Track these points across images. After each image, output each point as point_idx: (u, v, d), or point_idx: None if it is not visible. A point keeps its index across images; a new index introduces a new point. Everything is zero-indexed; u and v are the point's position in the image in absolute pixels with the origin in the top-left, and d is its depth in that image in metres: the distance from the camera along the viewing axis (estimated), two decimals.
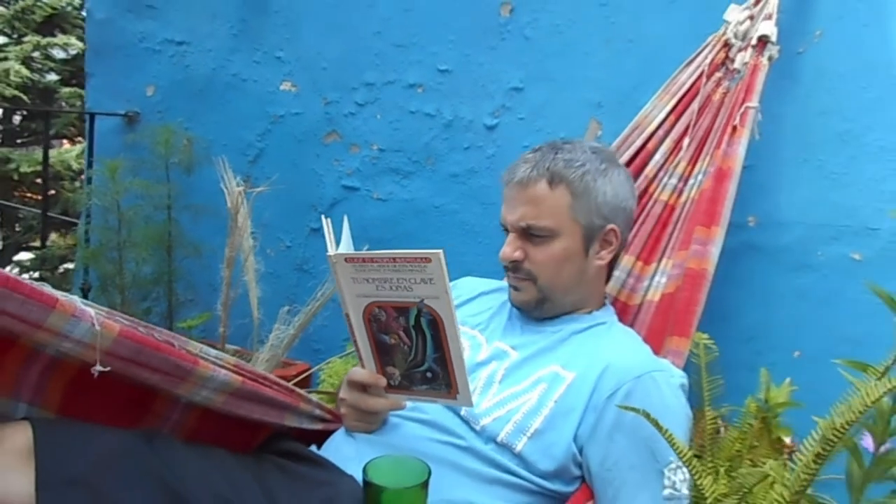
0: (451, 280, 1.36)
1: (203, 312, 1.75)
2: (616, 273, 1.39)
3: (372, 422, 1.10)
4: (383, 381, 1.06)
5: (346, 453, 1.10)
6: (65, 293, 0.91)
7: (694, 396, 1.19)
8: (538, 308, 1.19)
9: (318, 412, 1.20)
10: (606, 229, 1.17)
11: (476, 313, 1.28)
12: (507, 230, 1.18)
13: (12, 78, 6.96)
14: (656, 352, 1.22)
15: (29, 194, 6.06)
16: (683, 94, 1.44)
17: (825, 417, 0.93)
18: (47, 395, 0.98)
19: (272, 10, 1.86)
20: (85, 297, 1.93)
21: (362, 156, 1.83)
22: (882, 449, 1.07)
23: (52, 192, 5.27)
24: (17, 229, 6.27)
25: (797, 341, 1.53)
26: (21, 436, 0.90)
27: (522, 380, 1.11)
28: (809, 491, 1.04)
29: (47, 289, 0.88)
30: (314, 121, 1.85)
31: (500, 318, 1.24)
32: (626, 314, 1.36)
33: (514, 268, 1.17)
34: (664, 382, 1.08)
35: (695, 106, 1.42)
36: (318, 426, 1.20)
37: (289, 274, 1.84)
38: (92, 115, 1.96)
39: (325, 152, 1.85)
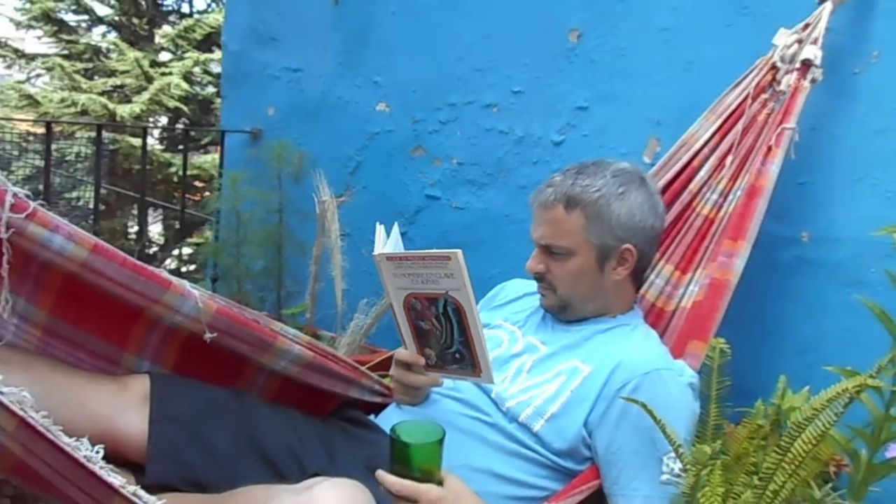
0: (501, 281, 1.55)
1: (305, 302, 2.03)
2: (657, 281, 1.51)
3: (414, 395, 1.31)
4: (422, 361, 1.26)
5: (395, 421, 1.32)
6: (177, 278, 1.19)
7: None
8: (561, 312, 1.34)
9: (377, 387, 1.43)
10: (622, 249, 1.28)
11: (517, 311, 1.45)
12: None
13: (174, 91, 7.83)
14: (678, 355, 1.33)
15: (187, 195, 6.81)
16: (729, 114, 1.53)
17: None
18: (164, 356, 1.27)
19: (372, 42, 2.12)
20: (213, 285, 2.27)
21: (443, 168, 2.04)
22: (884, 454, 1.14)
23: (208, 193, 5.93)
24: (178, 227, 7.06)
25: (849, 356, 1.55)
26: (141, 385, 1.19)
27: (546, 371, 1.28)
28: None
29: (164, 273, 1.16)
30: (404, 137, 2.08)
31: (536, 316, 1.40)
32: (662, 319, 1.47)
33: (538, 278, 1.33)
34: (671, 380, 1.20)
35: (739, 126, 1.51)
36: (378, 399, 1.42)
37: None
38: (223, 133, 2.32)
39: (411, 165, 2.08)
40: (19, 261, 1.05)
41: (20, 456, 0.87)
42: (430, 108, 2.04)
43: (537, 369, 1.29)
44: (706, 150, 1.54)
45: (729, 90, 1.54)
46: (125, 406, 1.15)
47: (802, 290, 1.62)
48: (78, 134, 7.49)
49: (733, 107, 1.53)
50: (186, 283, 1.18)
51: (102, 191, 7.66)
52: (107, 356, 1.22)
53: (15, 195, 0.99)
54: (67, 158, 7.64)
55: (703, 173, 1.54)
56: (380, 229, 1.24)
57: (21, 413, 0.80)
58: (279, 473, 1.17)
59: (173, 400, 1.19)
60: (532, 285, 1.49)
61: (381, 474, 1.01)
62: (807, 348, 1.60)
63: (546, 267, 1.31)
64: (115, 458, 1.12)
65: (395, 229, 1.26)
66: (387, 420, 1.34)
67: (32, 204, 1.00)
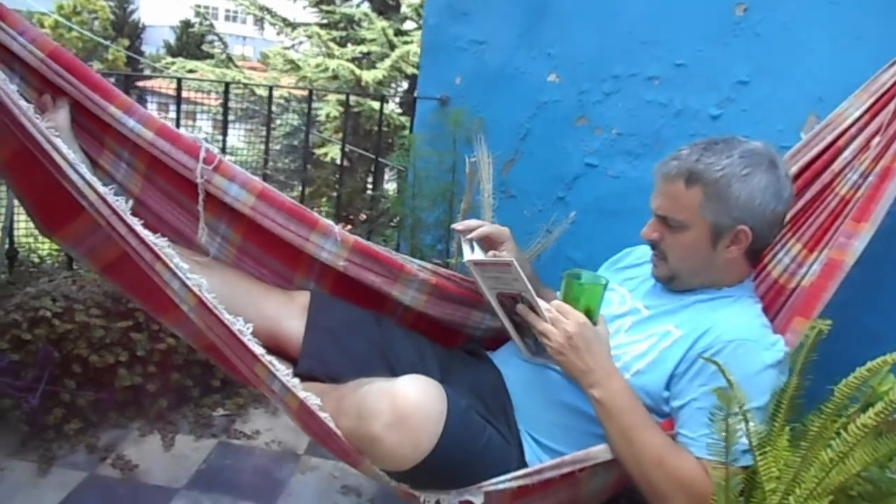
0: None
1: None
2: (784, 258, 1.51)
3: None
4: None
5: (502, 357, 1.52)
6: (325, 218, 1.47)
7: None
8: (670, 282, 1.40)
9: None
10: (736, 230, 1.28)
11: (634, 277, 1.54)
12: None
13: (412, 58, 8.43)
14: (782, 331, 1.35)
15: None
16: (882, 93, 1.46)
17: None
18: (324, 280, 1.58)
19: (549, 15, 2.24)
20: (397, 233, 2.60)
21: (603, 138, 2.13)
22: None
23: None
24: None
25: None
26: (304, 298, 1.51)
27: (642, 332, 1.38)
28: None
29: (314, 214, 1.45)
30: (569, 107, 2.20)
31: (648, 283, 1.48)
32: (781, 295, 1.48)
33: (652, 245, 1.40)
34: (754, 352, 1.24)
35: (891, 107, 1.43)
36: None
37: (537, 232, 2.25)
38: (414, 99, 2.61)
39: (574, 134, 2.19)
40: (214, 199, 1.41)
41: (203, 331, 1.21)
42: (596, 80, 2.14)
43: (634, 329, 1.40)
44: (854, 129, 1.49)
45: (885, 68, 1.47)
46: (289, 313, 1.48)
47: None
48: (329, 97, 8.39)
49: (888, 85, 1.46)
50: (331, 223, 1.47)
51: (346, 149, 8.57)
52: (282, 275, 1.56)
53: (207, 150, 1.33)
54: (318, 118, 8.66)
55: (847, 153, 1.49)
56: (464, 239, 1.44)
57: (199, 293, 1.13)
58: None
59: (325, 314, 1.50)
60: None
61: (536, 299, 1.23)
62: None
63: (660, 236, 1.36)
64: (278, 351, 1.47)
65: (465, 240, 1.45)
66: (501, 357, 1.53)
67: (218, 156, 1.33)
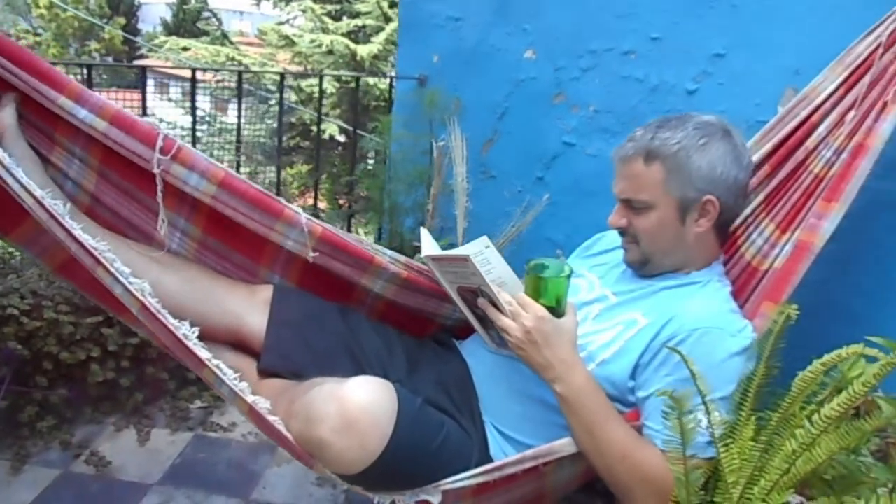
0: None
1: (447, 237, 2.23)
2: (757, 240, 1.48)
3: None
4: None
5: (470, 348, 1.49)
6: (293, 206, 1.43)
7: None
8: (642, 267, 1.37)
9: None
10: (703, 200, 1.27)
11: (604, 263, 1.51)
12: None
13: None
14: (752, 316, 1.32)
15: None
16: (857, 66, 1.41)
17: None
18: (290, 272, 1.54)
19: None
20: (379, 217, 2.55)
21: (580, 116, 2.08)
22: None
23: None
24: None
25: None
26: (266, 293, 1.47)
27: (608, 320, 1.35)
28: None
29: (280, 202, 1.41)
30: (547, 84, 2.14)
31: (618, 269, 1.45)
32: (754, 278, 1.44)
33: (621, 232, 1.37)
34: (719, 339, 1.21)
35: (866, 79, 1.38)
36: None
37: (516, 213, 2.21)
38: (391, 79, 2.56)
39: (551, 112, 2.14)
40: (173, 190, 1.37)
41: (152, 331, 1.19)
42: (572, 55, 2.08)
43: (601, 318, 1.37)
44: (828, 104, 1.44)
45: (860, 39, 1.41)
46: (252, 308, 1.45)
47: None
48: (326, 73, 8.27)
49: (863, 57, 1.40)
50: (298, 210, 1.42)
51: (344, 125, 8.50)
52: (246, 268, 1.52)
53: (165, 137, 1.28)
54: (315, 96, 8.58)
55: (822, 129, 1.45)
56: (424, 232, 1.39)
57: (142, 298, 1.10)
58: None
59: (288, 308, 1.46)
60: None
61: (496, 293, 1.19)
62: None
63: (627, 221, 1.34)
64: (242, 347, 1.44)
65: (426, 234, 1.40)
66: (468, 348, 1.51)
67: (177, 143, 1.28)
